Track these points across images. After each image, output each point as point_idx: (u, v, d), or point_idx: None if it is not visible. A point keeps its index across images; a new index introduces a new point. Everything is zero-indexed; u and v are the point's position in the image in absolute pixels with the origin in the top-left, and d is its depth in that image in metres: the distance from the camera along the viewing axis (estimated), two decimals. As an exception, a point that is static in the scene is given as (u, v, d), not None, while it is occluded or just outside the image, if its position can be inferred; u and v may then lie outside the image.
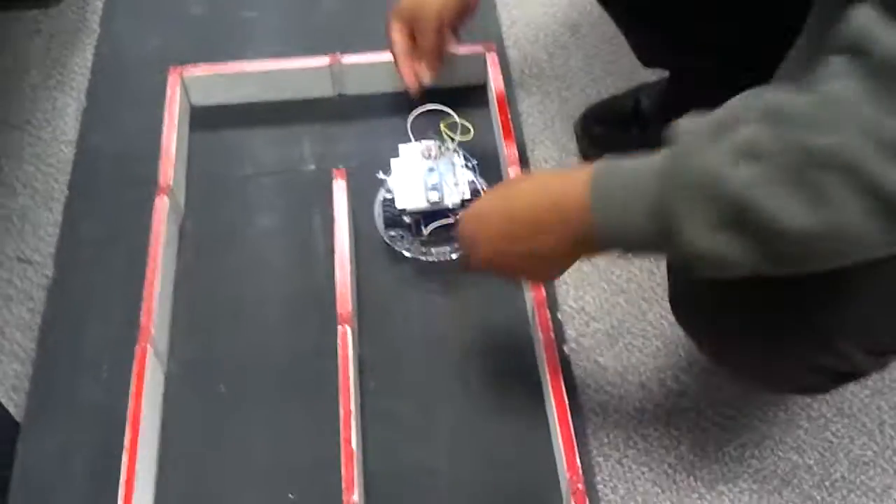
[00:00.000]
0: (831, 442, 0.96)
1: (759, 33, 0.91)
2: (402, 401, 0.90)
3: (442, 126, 0.97)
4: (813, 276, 0.58)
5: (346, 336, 0.87)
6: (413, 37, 0.97)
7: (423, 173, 0.98)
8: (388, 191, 0.99)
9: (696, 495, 0.93)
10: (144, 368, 0.86)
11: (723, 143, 0.55)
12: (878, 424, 0.98)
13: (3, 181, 1.17)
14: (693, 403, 0.98)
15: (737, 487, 0.93)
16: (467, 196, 0.96)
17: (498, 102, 1.07)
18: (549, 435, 0.86)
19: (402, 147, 1.01)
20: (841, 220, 0.52)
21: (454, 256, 0.96)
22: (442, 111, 0.97)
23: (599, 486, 0.92)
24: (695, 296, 0.75)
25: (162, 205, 0.97)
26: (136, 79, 1.16)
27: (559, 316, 0.98)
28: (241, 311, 0.96)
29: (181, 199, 1.03)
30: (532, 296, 0.92)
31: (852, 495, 0.93)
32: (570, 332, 1.02)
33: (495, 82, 1.09)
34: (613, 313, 1.05)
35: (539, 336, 0.89)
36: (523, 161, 1.04)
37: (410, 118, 0.97)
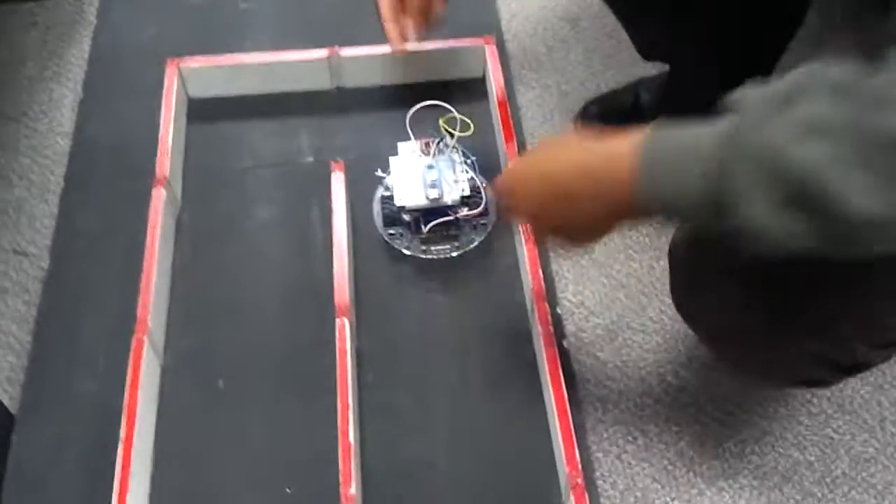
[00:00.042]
0: (832, 438, 0.96)
1: (758, 26, 0.91)
2: (400, 394, 0.90)
3: (441, 122, 0.97)
4: (813, 265, 0.57)
5: (343, 329, 0.87)
6: None
7: (422, 170, 0.97)
8: (387, 188, 0.99)
9: (695, 491, 0.93)
10: (140, 361, 0.85)
11: (788, 116, 0.53)
12: (880, 421, 0.97)
13: (0, 173, 1.17)
14: (693, 399, 0.98)
15: (737, 483, 0.93)
16: (467, 193, 0.96)
17: (497, 96, 1.06)
18: (549, 430, 0.86)
19: (400, 145, 1.00)
20: None
21: (454, 254, 0.96)
22: (441, 106, 0.97)
23: (599, 482, 0.92)
24: (696, 287, 0.74)
25: (159, 197, 0.96)
26: (133, 70, 1.15)
27: (558, 310, 0.98)
28: (237, 304, 0.95)
29: (178, 192, 1.03)
30: (531, 290, 0.91)
31: (853, 492, 0.93)
32: (569, 327, 1.02)
33: (494, 76, 1.08)
34: (613, 308, 1.04)
35: (538, 331, 0.89)
36: (523, 155, 1.03)
37: (409, 116, 0.97)
